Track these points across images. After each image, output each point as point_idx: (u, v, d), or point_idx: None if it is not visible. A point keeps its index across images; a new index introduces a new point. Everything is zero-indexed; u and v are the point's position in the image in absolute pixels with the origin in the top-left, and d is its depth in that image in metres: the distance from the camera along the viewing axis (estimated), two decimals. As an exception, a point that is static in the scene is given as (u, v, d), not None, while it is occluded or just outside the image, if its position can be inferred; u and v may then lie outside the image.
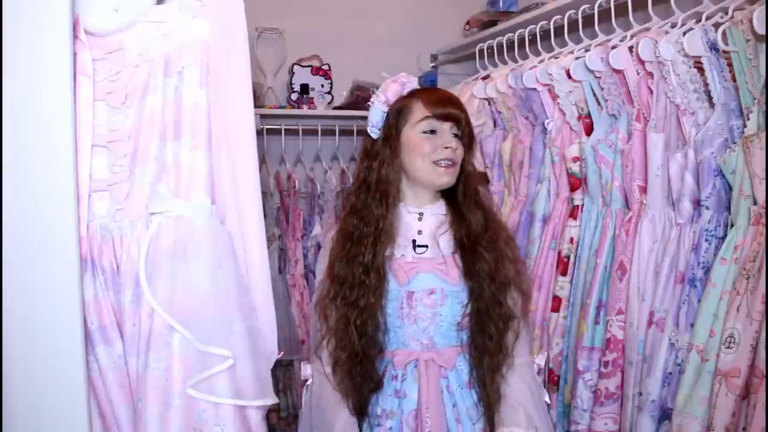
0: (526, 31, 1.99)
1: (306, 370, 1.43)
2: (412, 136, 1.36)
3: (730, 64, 1.32)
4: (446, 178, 1.35)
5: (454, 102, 1.40)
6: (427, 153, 1.34)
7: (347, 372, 1.32)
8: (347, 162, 2.76)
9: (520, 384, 1.32)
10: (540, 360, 1.43)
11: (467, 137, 1.39)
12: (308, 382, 1.42)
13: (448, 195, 1.41)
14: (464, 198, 1.39)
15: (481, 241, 1.35)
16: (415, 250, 1.36)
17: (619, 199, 1.59)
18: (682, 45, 1.36)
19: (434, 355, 1.34)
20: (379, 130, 1.39)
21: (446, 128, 1.36)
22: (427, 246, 1.36)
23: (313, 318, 1.40)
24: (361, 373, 1.32)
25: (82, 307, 1.01)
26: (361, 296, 1.31)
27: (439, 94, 1.41)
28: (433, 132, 1.35)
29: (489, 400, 1.31)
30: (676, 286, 1.41)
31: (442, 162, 1.34)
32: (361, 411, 1.33)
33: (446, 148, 1.34)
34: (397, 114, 1.38)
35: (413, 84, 1.41)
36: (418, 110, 1.36)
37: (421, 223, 1.38)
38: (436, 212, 1.40)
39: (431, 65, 2.76)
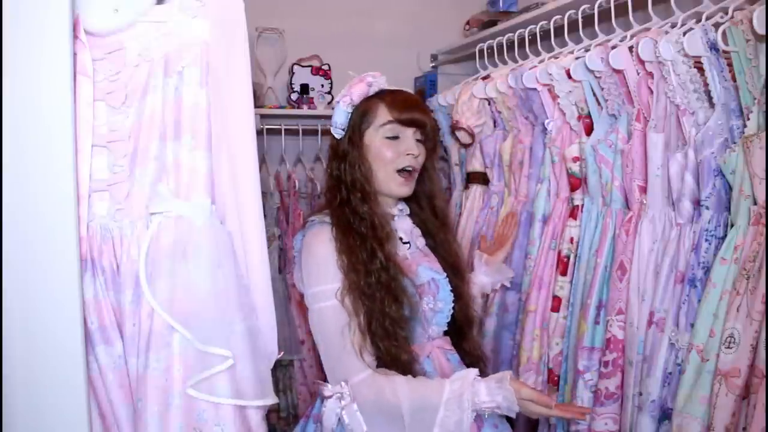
0: (526, 31, 1.99)
1: (325, 390, 1.27)
2: (375, 140, 1.36)
3: (730, 64, 1.32)
4: (405, 188, 1.38)
5: (419, 106, 1.40)
6: (389, 160, 1.35)
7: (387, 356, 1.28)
8: (347, 162, 2.76)
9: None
10: None
11: (431, 141, 1.41)
12: (343, 401, 1.23)
13: (411, 196, 1.45)
14: (424, 202, 1.46)
15: (443, 242, 1.47)
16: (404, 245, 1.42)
17: (619, 199, 1.59)
18: (682, 45, 1.36)
19: (440, 342, 1.41)
20: (343, 130, 1.38)
21: (409, 134, 1.37)
22: (408, 242, 1.43)
23: (337, 324, 1.25)
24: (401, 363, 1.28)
25: (82, 307, 1.01)
26: (390, 300, 1.27)
27: (404, 97, 1.40)
28: (395, 137, 1.36)
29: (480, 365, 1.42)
30: (676, 286, 1.41)
31: (404, 170, 1.36)
32: None
33: (408, 155, 1.35)
34: (362, 115, 1.37)
35: (380, 83, 1.40)
36: (382, 114, 1.36)
37: (395, 223, 1.42)
38: (405, 212, 1.46)
39: (431, 65, 2.76)
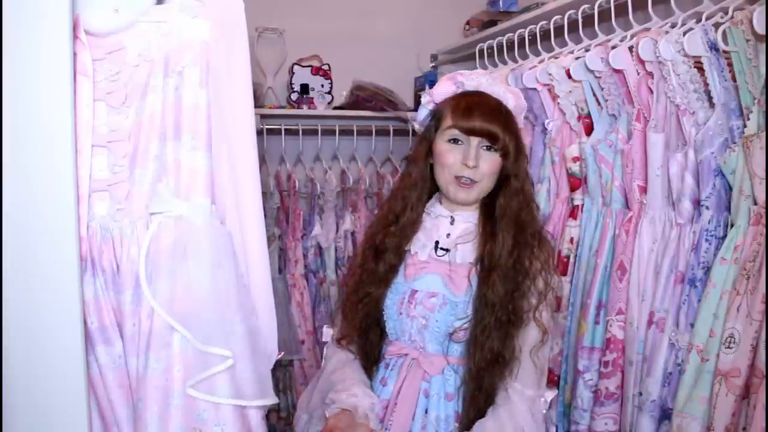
0: (526, 31, 1.99)
1: (328, 333, 1.52)
2: (439, 143, 1.31)
3: (730, 64, 1.32)
4: (462, 194, 1.30)
5: (487, 112, 1.28)
6: (449, 165, 1.29)
7: (356, 342, 1.40)
8: (347, 162, 2.76)
9: (523, 409, 1.24)
10: (549, 395, 1.35)
11: (510, 148, 1.28)
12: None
13: (488, 203, 1.33)
14: (501, 215, 1.30)
15: (499, 267, 1.26)
16: (436, 251, 1.34)
17: (619, 199, 1.59)
18: (682, 45, 1.37)
19: (421, 357, 1.33)
20: (422, 124, 1.39)
21: (473, 142, 1.28)
22: (449, 250, 1.34)
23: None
24: (363, 349, 1.39)
25: (82, 307, 1.01)
26: (371, 281, 1.35)
27: (472, 101, 1.30)
28: (458, 142, 1.29)
29: (467, 425, 1.26)
30: (676, 286, 1.41)
31: (462, 178, 1.29)
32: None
33: (464, 165, 1.27)
34: (433, 116, 1.36)
35: (474, 84, 1.33)
36: (447, 117, 1.31)
37: (452, 227, 1.35)
38: (468, 220, 1.35)
39: (431, 65, 2.76)
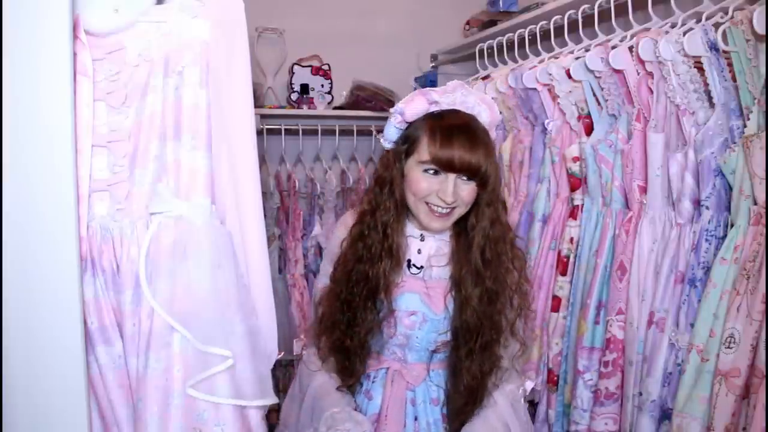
0: (526, 31, 1.99)
1: (298, 347, 1.50)
2: (413, 170, 1.25)
3: (730, 64, 1.32)
4: (437, 224, 1.27)
5: (466, 142, 1.21)
6: (422, 194, 1.24)
7: (335, 364, 1.35)
8: (347, 162, 2.77)
9: (508, 410, 1.28)
10: (528, 385, 1.35)
11: (490, 177, 1.24)
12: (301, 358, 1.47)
13: (461, 221, 1.30)
14: (472, 234, 1.28)
15: (474, 295, 1.26)
16: (409, 269, 1.33)
17: (619, 199, 1.59)
18: (682, 45, 1.37)
19: (403, 369, 1.34)
20: (392, 143, 1.30)
21: (452, 176, 1.23)
22: (422, 267, 1.33)
23: (313, 305, 1.41)
24: (348, 369, 1.34)
25: (82, 307, 1.01)
26: (362, 314, 1.30)
27: (447, 128, 1.22)
28: (435, 173, 1.23)
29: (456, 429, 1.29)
30: (676, 286, 1.41)
31: (435, 208, 1.25)
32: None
33: (440, 198, 1.23)
34: (405, 140, 1.27)
35: (448, 98, 1.25)
36: (423, 147, 1.23)
37: (422, 244, 1.34)
38: (440, 238, 1.33)
39: (431, 65, 2.76)
